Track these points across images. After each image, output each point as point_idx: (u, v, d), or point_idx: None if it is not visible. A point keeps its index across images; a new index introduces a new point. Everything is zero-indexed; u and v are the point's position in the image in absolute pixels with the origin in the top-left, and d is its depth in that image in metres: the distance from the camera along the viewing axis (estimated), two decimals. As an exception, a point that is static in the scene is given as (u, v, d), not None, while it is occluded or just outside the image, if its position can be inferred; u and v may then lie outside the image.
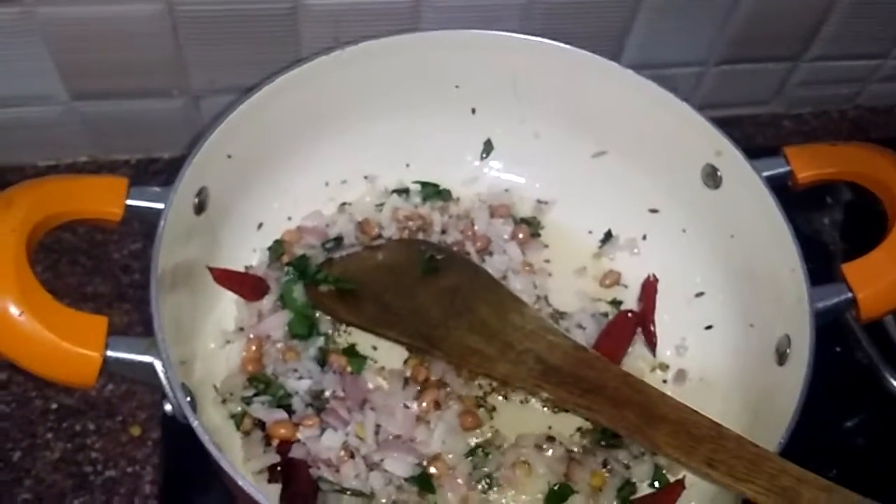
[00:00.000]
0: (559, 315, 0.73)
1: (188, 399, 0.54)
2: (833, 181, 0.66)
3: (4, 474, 0.69)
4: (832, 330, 0.74)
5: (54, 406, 0.73)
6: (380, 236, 0.76)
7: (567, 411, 0.68)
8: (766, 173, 0.65)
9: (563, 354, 0.61)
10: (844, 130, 1.00)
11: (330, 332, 0.70)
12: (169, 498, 0.68)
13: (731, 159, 0.67)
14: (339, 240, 0.75)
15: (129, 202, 0.58)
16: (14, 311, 0.51)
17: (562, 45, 0.71)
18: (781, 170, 0.65)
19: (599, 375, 0.59)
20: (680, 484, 0.64)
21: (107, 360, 0.53)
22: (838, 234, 0.84)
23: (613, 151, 0.77)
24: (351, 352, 0.69)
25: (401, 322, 0.67)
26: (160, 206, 0.58)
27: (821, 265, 0.64)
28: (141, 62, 0.76)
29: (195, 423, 0.51)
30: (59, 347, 0.52)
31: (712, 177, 0.69)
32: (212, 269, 0.68)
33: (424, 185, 0.79)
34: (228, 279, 0.69)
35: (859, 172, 0.64)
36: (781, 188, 0.65)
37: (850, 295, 0.60)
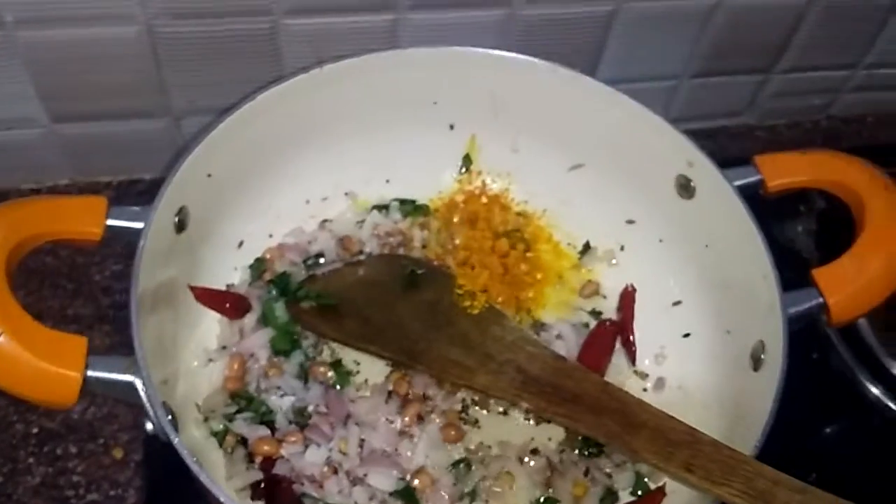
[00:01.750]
0: (539, 326, 0.74)
1: (169, 418, 0.54)
2: (803, 189, 0.67)
3: (-15, 500, 0.69)
4: (808, 336, 0.75)
5: (35, 430, 0.72)
6: (361, 252, 0.76)
7: (548, 422, 0.68)
8: (737, 182, 0.66)
9: (543, 365, 0.62)
10: (817, 141, 1.02)
11: (313, 347, 0.70)
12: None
13: (703, 169, 0.68)
14: (319, 256, 0.76)
15: (109, 222, 0.58)
16: (-7, 332, 0.51)
17: (537, 60, 0.72)
18: (752, 179, 0.66)
19: (578, 385, 0.60)
20: (661, 491, 0.64)
21: (87, 380, 0.53)
22: (812, 243, 0.85)
23: (590, 164, 0.78)
24: (336, 366, 0.69)
25: (382, 336, 0.67)
26: (140, 225, 0.59)
27: (795, 274, 0.64)
28: (121, 84, 0.77)
29: (176, 441, 0.51)
30: (39, 368, 0.52)
31: (686, 187, 0.71)
32: (193, 288, 0.68)
33: (403, 202, 0.79)
34: (210, 298, 0.70)
35: (828, 180, 0.65)
36: (753, 197, 0.66)
37: (821, 300, 0.61)
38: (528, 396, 0.60)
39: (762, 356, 0.61)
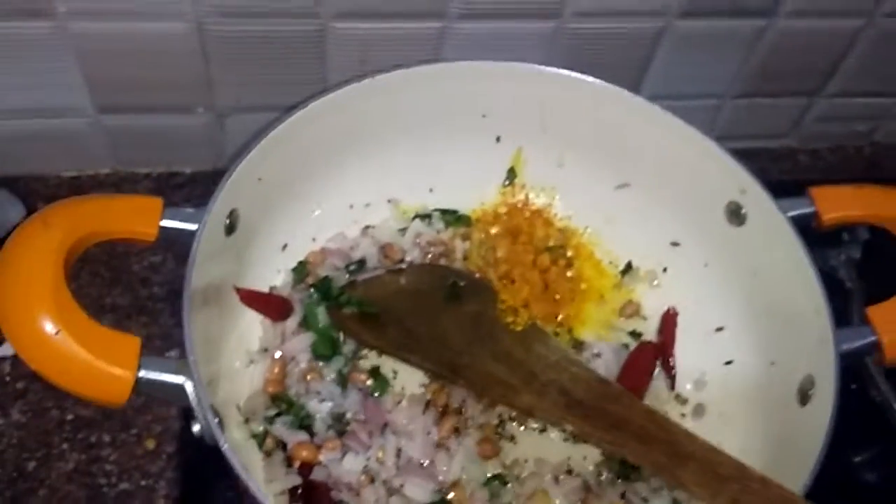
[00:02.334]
0: (578, 345, 0.73)
1: (217, 420, 0.54)
2: (858, 223, 0.66)
3: (19, 484, 0.69)
4: (847, 366, 0.74)
5: (70, 417, 0.73)
6: (402, 260, 0.76)
7: (586, 442, 0.67)
8: (790, 213, 0.65)
9: (588, 387, 0.62)
10: (860, 167, 1.01)
11: (353, 353, 0.70)
12: (183, 514, 0.68)
13: (755, 197, 0.67)
14: (362, 262, 0.75)
15: (164, 223, 0.58)
16: (51, 328, 0.51)
17: (587, 77, 0.72)
18: (806, 210, 0.65)
19: (625, 411, 0.59)
20: (698, 519, 0.64)
21: (139, 381, 0.53)
22: (855, 273, 0.84)
23: (636, 184, 0.77)
24: (375, 373, 0.69)
25: (423, 348, 0.67)
26: (193, 226, 0.59)
27: (838, 304, 0.63)
28: (168, 79, 0.77)
29: (225, 447, 0.51)
30: (94, 366, 0.52)
31: (736, 214, 0.70)
32: (238, 290, 0.68)
33: (444, 212, 0.79)
34: (254, 300, 0.70)
35: (886, 217, 0.65)
36: (805, 228, 0.66)
37: (874, 338, 0.60)
38: (573, 419, 0.60)
39: (810, 392, 0.60)
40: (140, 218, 0.58)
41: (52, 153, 0.84)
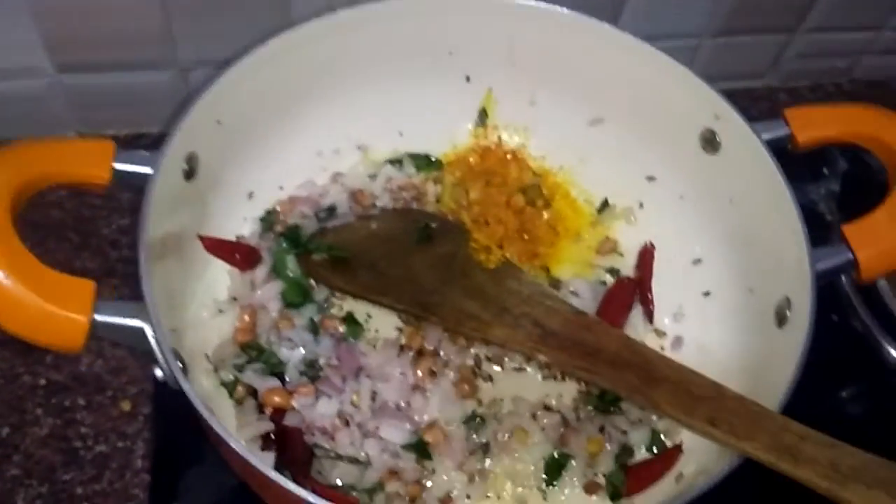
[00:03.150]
0: (556, 283, 0.72)
1: (180, 365, 0.53)
2: (833, 143, 0.65)
3: (-7, 451, 0.68)
4: (828, 298, 0.74)
5: (43, 382, 0.71)
6: (373, 206, 0.75)
7: (564, 378, 0.67)
8: (765, 136, 0.64)
9: (561, 319, 0.61)
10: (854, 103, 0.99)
11: (325, 301, 0.69)
12: (160, 472, 0.67)
13: (730, 123, 0.66)
14: (332, 210, 0.74)
15: (117, 166, 0.57)
16: (-1, 274, 0.50)
17: (559, 8, 0.70)
18: (781, 132, 0.64)
19: (598, 339, 0.59)
20: (678, 449, 0.64)
21: (95, 325, 0.51)
22: (835, 204, 0.84)
23: (610, 119, 0.76)
24: (348, 319, 0.68)
25: (395, 289, 0.66)
26: (148, 170, 0.57)
27: (818, 235, 0.63)
28: (128, 33, 0.75)
29: (186, 387, 0.50)
30: (46, 311, 0.50)
31: (711, 142, 0.69)
32: (203, 238, 0.67)
33: (416, 156, 0.77)
34: (220, 248, 0.68)
35: (859, 133, 0.63)
36: (780, 152, 0.64)
37: (850, 256, 0.59)
38: (546, 350, 0.59)
39: (787, 312, 0.59)
40: (92, 160, 0.56)
41: (13, 116, 0.81)
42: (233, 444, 0.48)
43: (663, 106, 0.71)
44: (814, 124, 0.64)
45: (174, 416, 0.56)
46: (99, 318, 0.51)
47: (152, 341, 0.52)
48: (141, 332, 0.52)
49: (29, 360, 0.72)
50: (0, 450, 0.68)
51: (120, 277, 0.77)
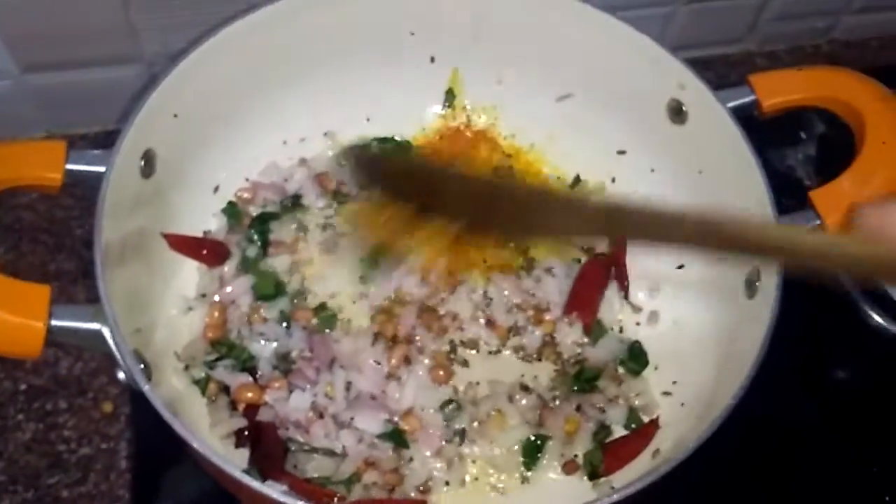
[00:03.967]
0: (529, 262, 0.71)
1: (141, 366, 0.52)
2: (800, 107, 0.64)
3: (-24, 458, 0.68)
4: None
5: (23, 387, 0.71)
6: (339, 192, 0.74)
7: (540, 359, 0.67)
8: (731, 104, 0.63)
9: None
10: (819, 65, 0.98)
11: (296, 293, 0.69)
12: (143, 473, 0.67)
13: (695, 92, 0.65)
14: (297, 197, 0.73)
15: (69, 166, 0.56)
16: (-50, 283, 0.49)
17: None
18: (747, 99, 0.63)
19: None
20: (654, 424, 0.63)
21: (52, 330, 0.51)
22: (813, 169, 0.82)
23: (578, 94, 0.75)
24: (320, 310, 0.68)
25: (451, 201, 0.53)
26: (102, 169, 0.56)
27: (796, 201, 0.62)
28: (90, 28, 0.73)
29: (146, 388, 0.50)
30: (1, 319, 0.50)
31: (678, 112, 0.68)
32: (167, 236, 0.66)
33: (384, 140, 0.76)
34: (186, 245, 0.68)
35: (825, 96, 0.62)
36: (749, 119, 0.63)
37: (817, 221, 0.58)
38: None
39: (756, 283, 0.59)
40: (43, 162, 0.55)
41: (-23, 120, 0.81)
42: (196, 446, 0.48)
43: (629, 78, 0.69)
44: (779, 89, 0.63)
45: (154, 415, 0.56)
46: (56, 323, 0.51)
47: (111, 344, 0.51)
48: (99, 334, 0.52)
49: (8, 366, 0.72)
50: (-17, 457, 0.68)
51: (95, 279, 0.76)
